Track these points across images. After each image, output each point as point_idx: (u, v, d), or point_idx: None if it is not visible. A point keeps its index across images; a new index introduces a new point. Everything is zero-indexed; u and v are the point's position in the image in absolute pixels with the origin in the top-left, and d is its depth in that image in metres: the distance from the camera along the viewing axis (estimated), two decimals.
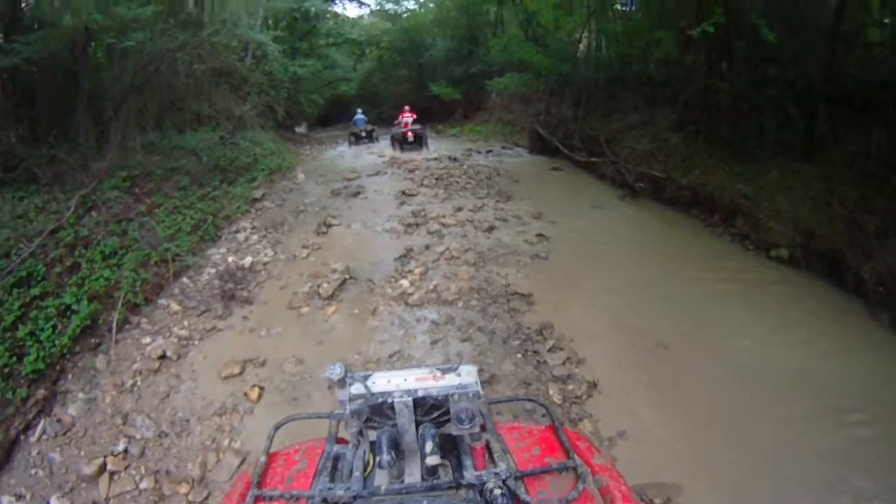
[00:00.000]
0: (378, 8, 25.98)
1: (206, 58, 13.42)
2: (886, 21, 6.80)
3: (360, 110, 18.68)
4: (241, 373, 4.57)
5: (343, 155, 16.47)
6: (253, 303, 5.83)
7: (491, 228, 7.27)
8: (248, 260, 6.86)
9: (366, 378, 1.17)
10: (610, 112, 12.36)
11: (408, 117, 15.66)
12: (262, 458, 1.30)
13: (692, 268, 6.05)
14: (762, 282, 5.69)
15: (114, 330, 5.12)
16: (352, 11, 50.06)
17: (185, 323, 5.41)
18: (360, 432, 1.18)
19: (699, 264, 6.18)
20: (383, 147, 16.28)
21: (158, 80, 10.92)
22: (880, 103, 6.00)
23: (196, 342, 5.13)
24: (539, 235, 6.94)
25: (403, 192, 9.23)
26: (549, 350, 4.41)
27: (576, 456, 1.21)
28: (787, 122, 7.00)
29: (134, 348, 5.03)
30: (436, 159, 13.05)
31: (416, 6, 25.46)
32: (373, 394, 1.13)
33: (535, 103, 16.58)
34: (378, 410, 1.15)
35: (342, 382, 1.14)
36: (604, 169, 10.54)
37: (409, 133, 14.97)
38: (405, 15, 25.18)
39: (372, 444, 1.19)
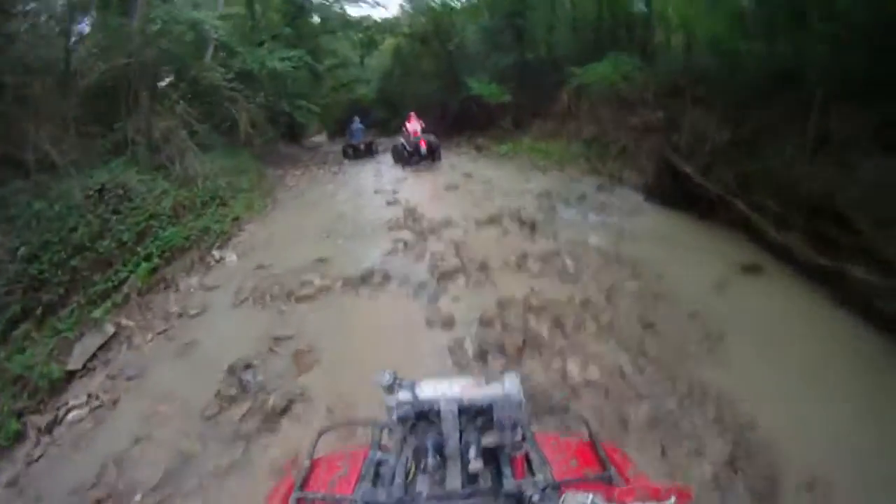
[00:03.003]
0: None
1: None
2: None
3: (357, 119, 15.75)
4: None
5: (339, 187, 10.80)
6: None
7: None
8: None
9: (413, 385, 1.13)
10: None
11: (415, 124, 12.65)
12: (306, 463, 1.31)
13: None
14: None
15: None
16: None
17: None
18: (404, 439, 1.16)
19: None
20: (386, 166, 12.96)
21: None
22: None
23: None
24: None
25: None
26: None
27: (612, 467, 1.21)
28: None
29: None
30: (490, 222, 6.71)
31: None
32: (419, 400, 1.10)
33: (640, 109, 10.11)
34: (423, 416, 1.13)
35: (390, 388, 1.11)
36: None
37: (423, 142, 11.95)
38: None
39: (415, 450, 1.16)
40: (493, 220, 6.68)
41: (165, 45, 9.59)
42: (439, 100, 17.48)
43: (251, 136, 11.62)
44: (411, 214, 7.40)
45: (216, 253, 6.86)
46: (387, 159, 13.83)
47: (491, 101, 13.64)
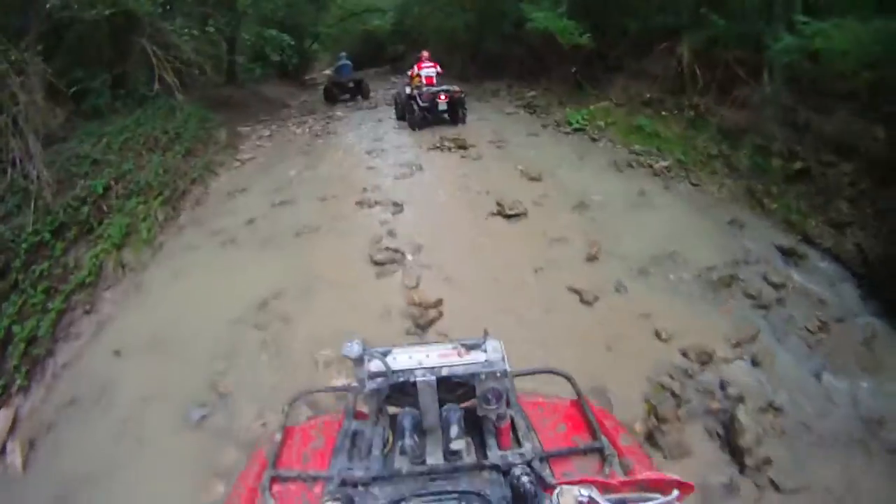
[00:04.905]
0: None
1: None
2: None
3: (344, 54, 13.70)
4: None
5: (308, 170, 7.00)
6: None
7: None
8: None
9: (385, 354, 1.03)
10: None
11: (429, 69, 9.03)
12: (278, 436, 1.20)
13: None
14: None
15: None
16: None
17: None
18: (380, 409, 1.09)
19: None
20: (388, 126, 9.30)
21: None
22: None
23: None
24: None
25: None
26: None
27: (602, 437, 1.11)
28: None
29: None
30: (659, 428, 2.67)
31: None
32: (393, 372, 1.01)
33: (839, 109, 5.52)
34: (399, 388, 1.03)
35: (360, 360, 1.01)
36: None
37: (443, 97, 8.47)
38: None
39: (392, 419, 1.10)
40: (668, 416, 2.60)
41: None
42: (470, 35, 12.70)
43: (177, 84, 7.24)
44: (427, 319, 3.32)
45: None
46: (389, 112, 10.16)
47: (564, 44, 8.84)
